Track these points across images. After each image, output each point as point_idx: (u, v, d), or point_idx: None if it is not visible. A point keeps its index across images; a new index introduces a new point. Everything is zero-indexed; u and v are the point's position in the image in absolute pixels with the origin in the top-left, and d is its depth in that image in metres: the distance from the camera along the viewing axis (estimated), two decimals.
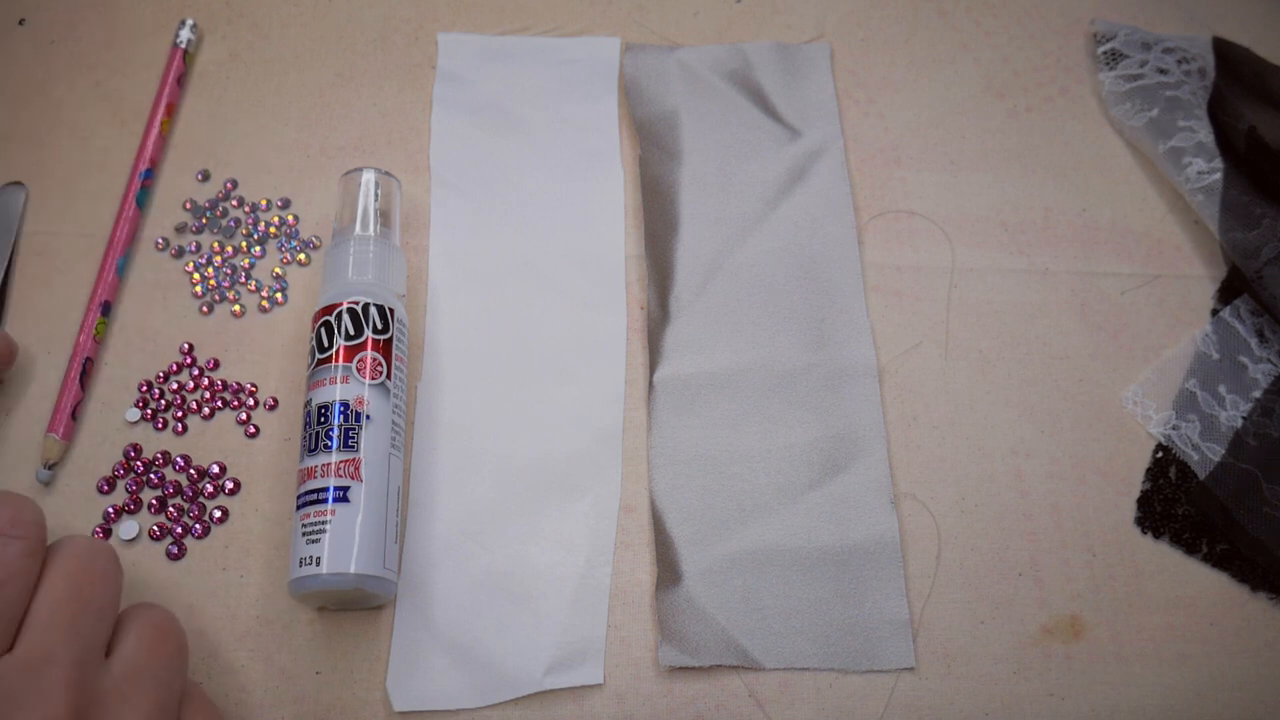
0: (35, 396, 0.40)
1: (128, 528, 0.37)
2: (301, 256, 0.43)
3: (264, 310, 0.42)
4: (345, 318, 0.37)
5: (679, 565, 0.37)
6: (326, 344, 0.36)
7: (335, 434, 0.35)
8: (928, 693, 0.36)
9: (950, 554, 0.38)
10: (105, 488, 0.38)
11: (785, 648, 0.36)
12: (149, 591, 0.36)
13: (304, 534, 0.34)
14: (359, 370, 0.36)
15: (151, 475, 0.38)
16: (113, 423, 0.39)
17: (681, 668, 0.36)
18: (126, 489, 0.38)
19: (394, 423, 0.36)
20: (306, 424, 0.36)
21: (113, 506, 0.38)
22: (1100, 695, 0.36)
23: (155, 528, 0.37)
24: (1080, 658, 0.37)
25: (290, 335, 0.41)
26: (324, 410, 0.35)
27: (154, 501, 0.38)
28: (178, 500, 0.38)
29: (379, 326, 0.37)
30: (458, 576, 0.37)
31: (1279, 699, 0.36)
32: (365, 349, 0.36)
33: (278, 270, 0.43)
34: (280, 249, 0.43)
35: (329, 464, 0.34)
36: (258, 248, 0.43)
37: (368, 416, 0.35)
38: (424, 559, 0.37)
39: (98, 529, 0.37)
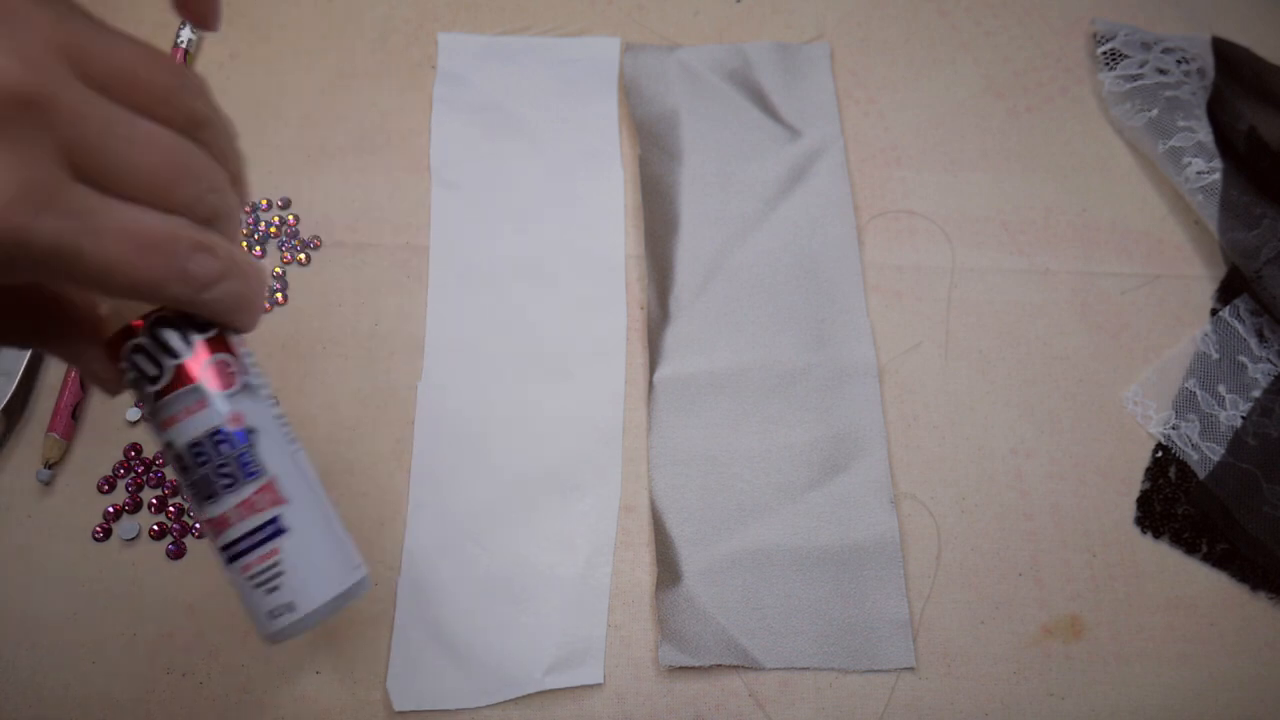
0: (36, 396, 0.40)
1: (128, 527, 0.37)
2: (302, 256, 0.43)
3: (264, 310, 0.42)
4: (161, 332, 0.29)
5: (679, 565, 0.37)
6: (154, 371, 0.29)
7: (230, 468, 0.29)
8: (928, 692, 0.36)
9: (950, 554, 0.38)
10: (105, 487, 0.38)
11: (785, 647, 0.36)
12: (148, 591, 0.36)
13: (258, 586, 0.28)
14: (212, 384, 0.29)
15: (151, 474, 0.38)
16: (113, 422, 0.39)
17: (681, 667, 0.36)
18: (126, 488, 0.38)
19: (275, 415, 0.30)
20: (184, 470, 0.29)
21: (113, 506, 0.38)
22: (1100, 695, 0.36)
23: (155, 527, 0.37)
24: (1080, 658, 0.37)
25: (291, 335, 0.41)
26: (198, 447, 0.29)
27: (154, 501, 0.38)
28: (178, 500, 0.38)
29: (199, 323, 0.29)
30: (458, 576, 0.37)
31: (1279, 699, 0.36)
32: (205, 355, 0.29)
33: (278, 270, 0.43)
34: (280, 249, 0.43)
35: (243, 502, 0.29)
36: (258, 247, 0.43)
37: (251, 430, 0.29)
38: (424, 559, 0.37)
39: (98, 528, 0.37)
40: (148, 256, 0.25)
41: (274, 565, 0.29)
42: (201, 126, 0.28)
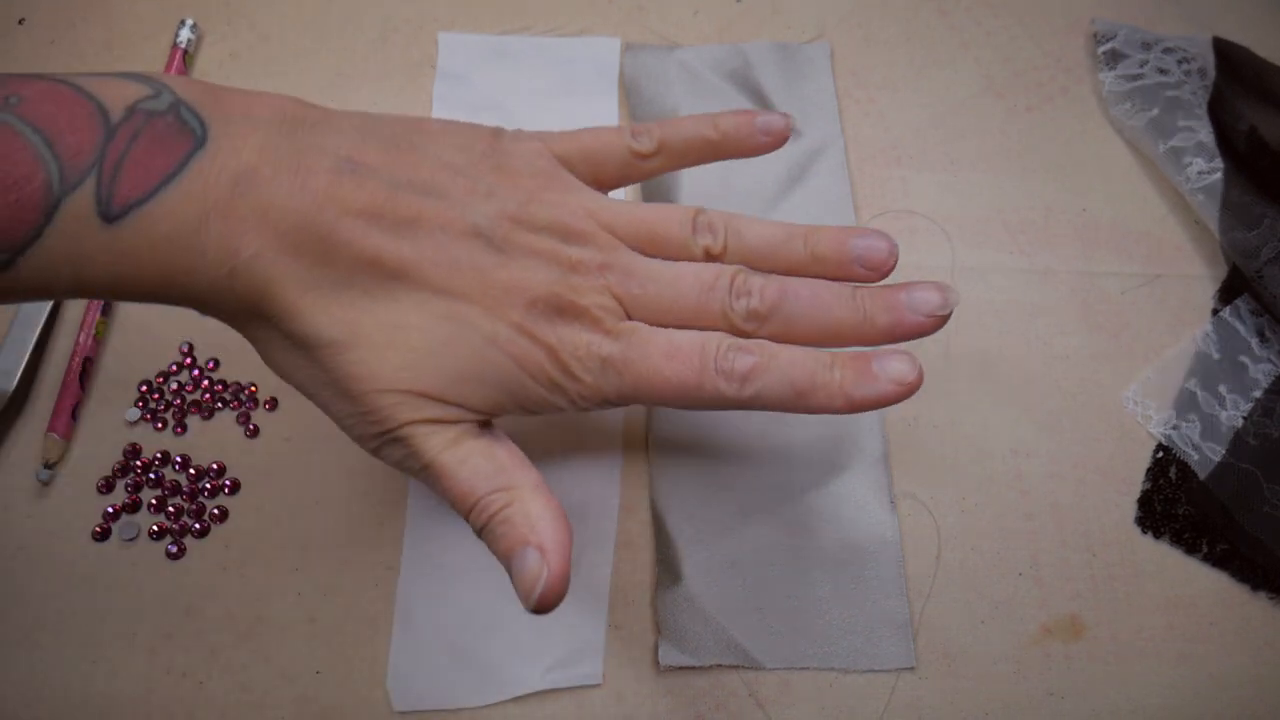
0: (35, 396, 0.40)
1: (127, 527, 0.37)
2: None
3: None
4: None
5: (679, 565, 0.37)
6: None
7: None
8: (928, 693, 0.36)
9: (950, 554, 0.38)
10: (105, 487, 0.38)
11: (785, 647, 0.36)
12: (148, 591, 0.36)
13: None
14: None
15: (151, 475, 0.38)
16: (112, 422, 0.39)
17: (681, 667, 0.36)
18: (126, 489, 0.38)
19: None
20: None
21: (112, 506, 0.38)
22: (1100, 695, 0.36)
23: (155, 527, 0.37)
24: (1080, 658, 0.37)
25: None
26: None
27: (154, 501, 0.38)
28: (177, 500, 0.38)
29: None
30: (458, 576, 0.37)
31: (1279, 699, 0.36)
32: None
33: None
34: None
35: None
36: None
37: None
38: (424, 559, 0.37)
39: (97, 528, 0.37)
40: (679, 363, 0.31)
41: None
42: (714, 255, 0.33)
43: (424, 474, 0.30)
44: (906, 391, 0.30)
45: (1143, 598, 0.38)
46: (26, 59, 0.47)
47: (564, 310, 0.30)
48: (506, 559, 0.29)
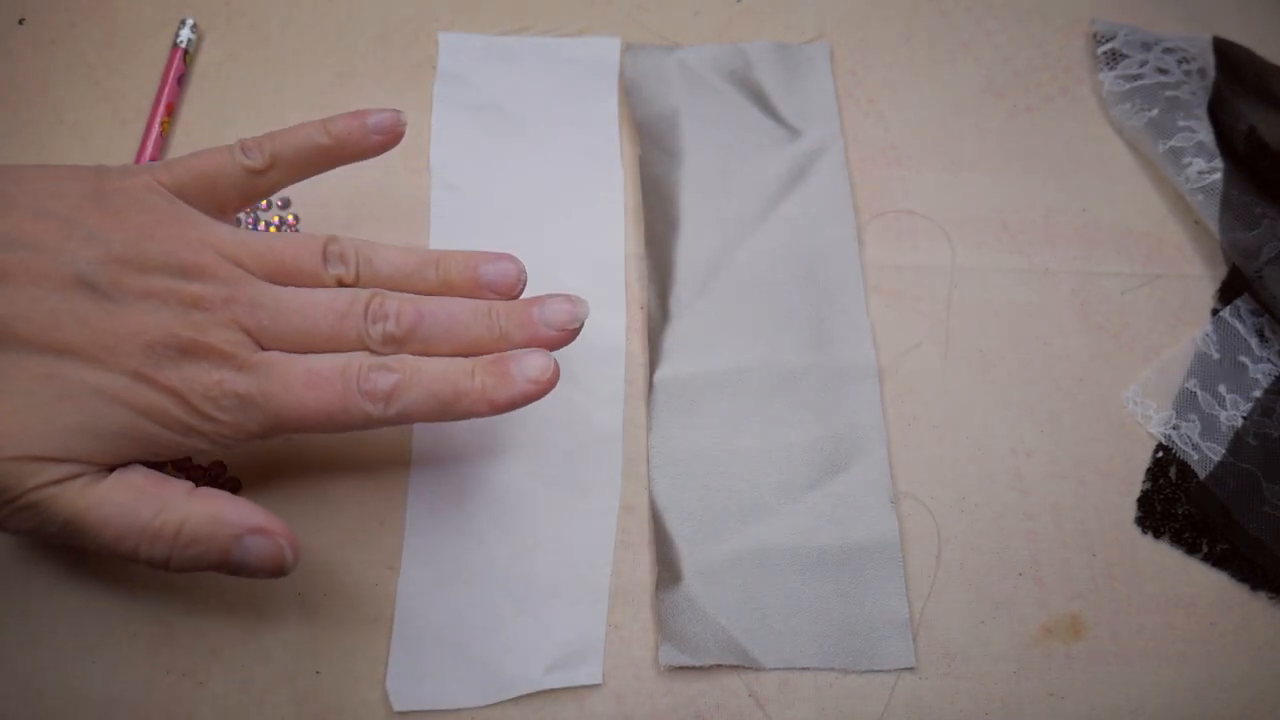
0: None
1: None
2: None
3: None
4: None
5: (679, 565, 0.37)
6: None
7: None
8: (928, 692, 0.36)
9: (950, 554, 0.38)
10: None
11: (785, 647, 0.36)
12: (148, 590, 0.36)
13: None
14: None
15: None
16: None
17: (681, 667, 0.36)
18: None
19: None
20: None
21: None
22: (1100, 695, 0.36)
23: None
24: (1080, 657, 0.37)
25: None
26: None
27: None
28: None
29: None
30: (457, 576, 0.37)
31: (1279, 699, 0.36)
32: None
33: None
34: None
35: None
36: None
37: None
38: (424, 559, 0.37)
39: None
40: (320, 390, 0.30)
41: None
42: (346, 284, 0.32)
43: (66, 532, 0.29)
44: (544, 388, 0.32)
45: (1143, 598, 0.38)
46: (27, 59, 0.47)
47: (188, 350, 0.29)
48: (224, 563, 0.29)
